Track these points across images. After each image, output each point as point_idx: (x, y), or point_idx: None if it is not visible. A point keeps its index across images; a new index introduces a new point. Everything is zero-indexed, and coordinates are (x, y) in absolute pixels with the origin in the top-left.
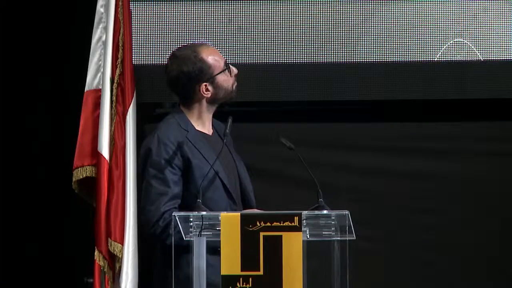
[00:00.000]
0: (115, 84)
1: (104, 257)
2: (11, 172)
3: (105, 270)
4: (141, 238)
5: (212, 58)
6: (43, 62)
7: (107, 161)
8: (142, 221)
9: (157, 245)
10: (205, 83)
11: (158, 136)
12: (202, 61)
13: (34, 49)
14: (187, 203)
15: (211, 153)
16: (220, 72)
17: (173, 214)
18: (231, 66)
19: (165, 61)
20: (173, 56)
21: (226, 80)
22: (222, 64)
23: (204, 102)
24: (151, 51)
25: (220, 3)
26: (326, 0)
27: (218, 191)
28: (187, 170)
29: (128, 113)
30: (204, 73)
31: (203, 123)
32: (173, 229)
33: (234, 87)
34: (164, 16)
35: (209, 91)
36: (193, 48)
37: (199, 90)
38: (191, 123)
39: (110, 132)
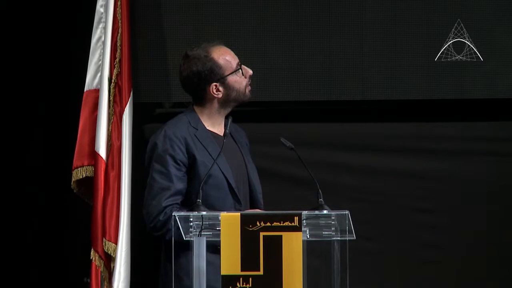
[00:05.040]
0: (112, 84)
1: (100, 257)
2: (11, 172)
3: (101, 270)
4: (139, 237)
5: (224, 58)
6: (43, 62)
7: (104, 161)
8: (143, 215)
9: (160, 239)
10: (215, 83)
11: (165, 131)
12: (213, 61)
13: (34, 49)
14: (191, 199)
15: (217, 152)
16: (231, 73)
17: (173, 214)
18: (245, 67)
19: (166, 61)
20: (185, 56)
21: (238, 81)
22: (234, 65)
23: (215, 102)
24: (152, 51)
25: (223, 2)
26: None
27: (223, 191)
28: (192, 167)
29: (125, 112)
30: (215, 74)
31: (214, 123)
32: (173, 227)
33: (247, 89)
34: (165, 16)
35: (220, 91)
36: (205, 48)
37: (210, 91)
38: (201, 122)
39: (108, 132)
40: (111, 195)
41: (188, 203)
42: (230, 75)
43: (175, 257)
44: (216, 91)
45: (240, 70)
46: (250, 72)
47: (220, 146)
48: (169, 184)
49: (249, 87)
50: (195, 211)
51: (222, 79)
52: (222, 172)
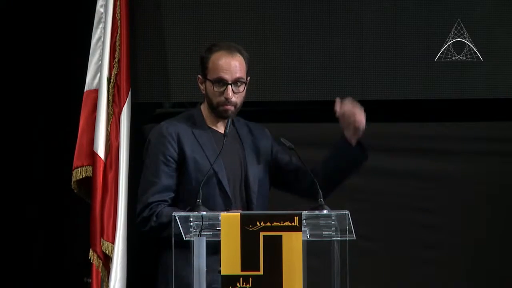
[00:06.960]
0: (111, 84)
1: (98, 257)
2: (12, 172)
3: (100, 269)
4: (137, 237)
5: (214, 63)
6: (43, 62)
7: (102, 161)
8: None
9: (148, 235)
10: (199, 76)
11: (160, 127)
12: (207, 57)
13: (34, 49)
14: (182, 196)
15: (214, 150)
16: (208, 80)
17: (173, 214)
18: (228, 90)
19: (166, 61)
20: None
21: (211, 92)
22: (215, 75)
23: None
24: (151, 51)
25: (223, 2)
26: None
27: (213, 188)
28: (182, 163)
29: (123, 112)
30: (202, 67)
31: (214, 120)
32: (172, 228)
33: (221, 107)
34: (165, 16)
35: (203, 86)
36: (222, 45)
37: (197, 80)
38: (203, 118)
39: (106, 132)
40: (110, 195)
41: (179, 200)
42: (207, 80)
43: (159, 256)
44: (200, 84)
45: (216, 83)
46: (230, 97)
47: (219, 144)
48: (155, 180)
49: (229, 108)
50: (195, 211)
51: (204, 77)
52: (214, 170)
